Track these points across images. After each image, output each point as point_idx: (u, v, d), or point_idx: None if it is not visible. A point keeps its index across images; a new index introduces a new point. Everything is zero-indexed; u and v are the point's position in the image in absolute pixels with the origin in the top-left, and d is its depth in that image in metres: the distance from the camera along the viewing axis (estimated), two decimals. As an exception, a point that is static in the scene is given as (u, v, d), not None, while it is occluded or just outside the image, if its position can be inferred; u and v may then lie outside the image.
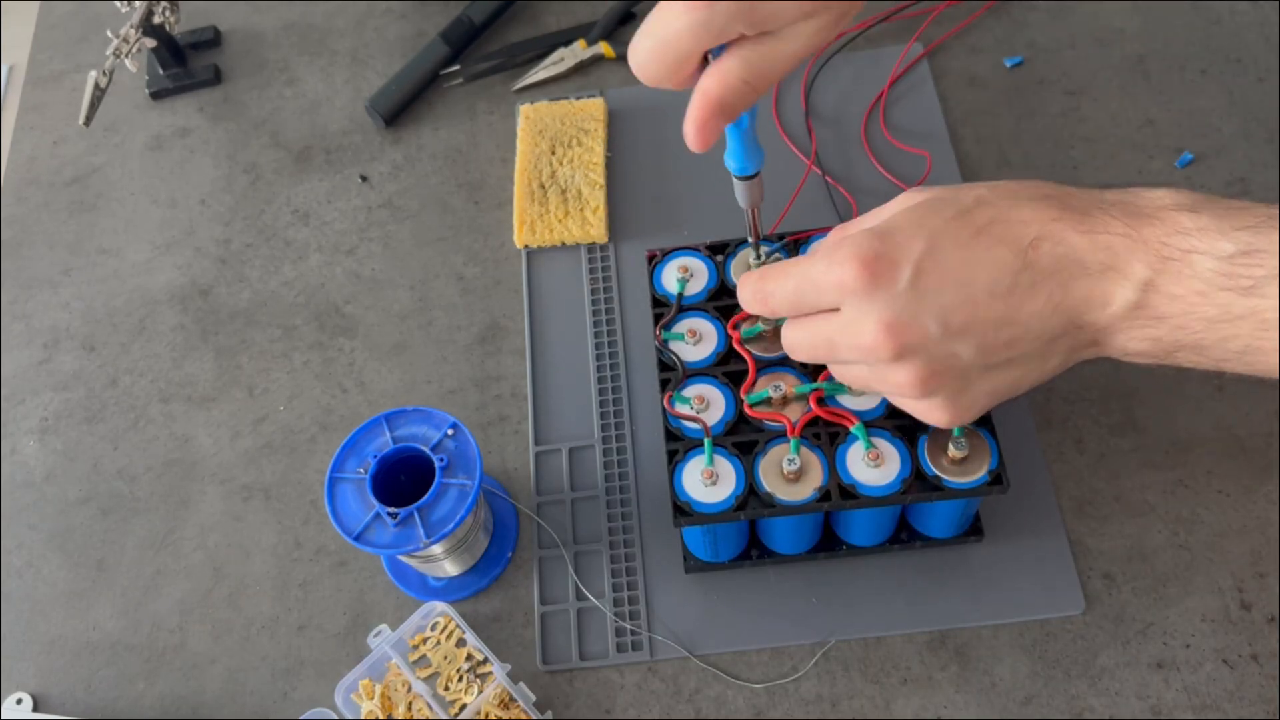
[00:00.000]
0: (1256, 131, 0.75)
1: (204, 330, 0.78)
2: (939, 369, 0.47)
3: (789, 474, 0.56)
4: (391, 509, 0.59)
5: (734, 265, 0.63)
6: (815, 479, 0.56)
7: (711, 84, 0.46)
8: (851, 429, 0.56)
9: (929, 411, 0.50)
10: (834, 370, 0.54)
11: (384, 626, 0.63)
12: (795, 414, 0.58)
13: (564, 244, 0.77)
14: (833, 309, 0.49)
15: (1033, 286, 0.46)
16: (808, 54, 0.47)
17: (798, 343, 0.52)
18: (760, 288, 0.52)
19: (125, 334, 0.79)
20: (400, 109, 0.85)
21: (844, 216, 0.75)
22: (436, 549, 0.61)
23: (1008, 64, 0.80)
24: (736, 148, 0.54)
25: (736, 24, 0.44)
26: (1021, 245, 0.45)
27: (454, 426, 0.61)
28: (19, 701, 0.66)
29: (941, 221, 0.46)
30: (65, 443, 0.75)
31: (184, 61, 0.90)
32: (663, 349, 0.61)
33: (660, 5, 0.45)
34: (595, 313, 0.74)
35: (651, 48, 0.45)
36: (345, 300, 0.78)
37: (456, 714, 0.61)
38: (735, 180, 0.56)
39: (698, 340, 0.61)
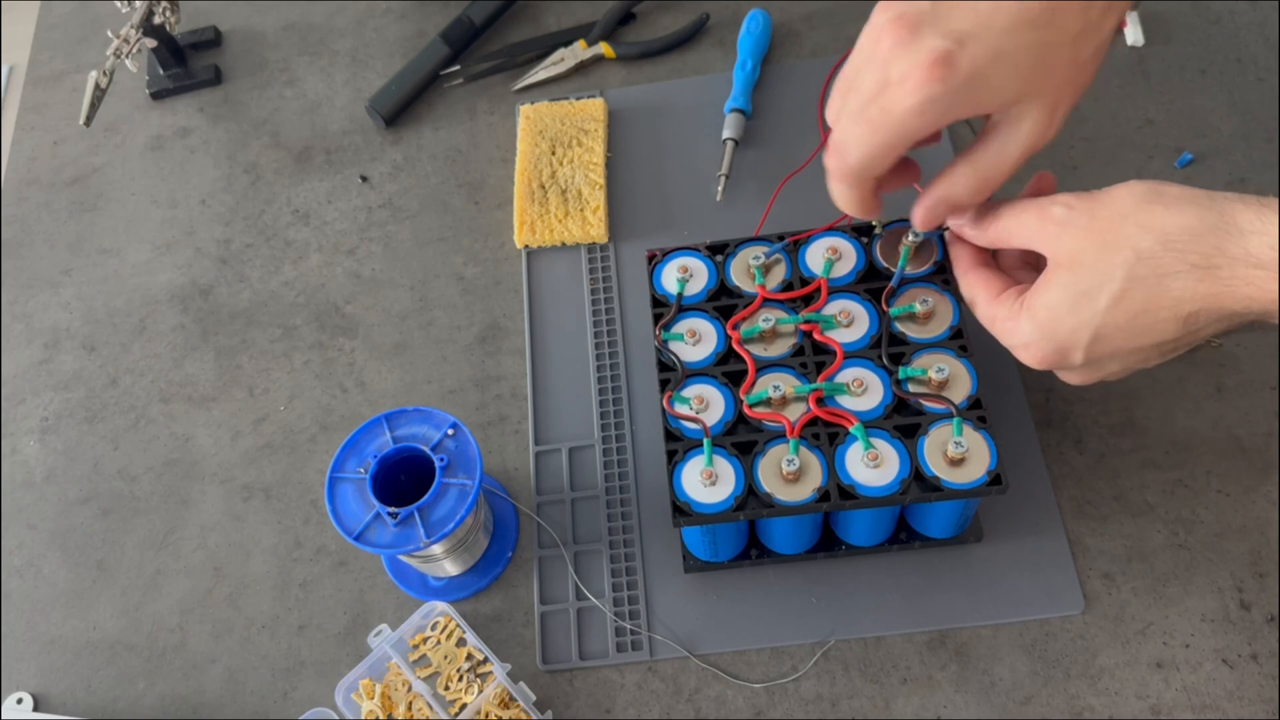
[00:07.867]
0: (1256, 131, 0.75)
1: (204, 330, 0.78)
2: (1088, 376, 0.54)
3: (788, 474, 0.56)
4: (392, 509, 0.59)
5: (734, 266, 0.63)
6: (814, 479, 0.56)
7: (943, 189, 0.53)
8: (851, 429, 0.56)
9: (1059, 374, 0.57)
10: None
11: (384, 626, 0.63)
12: (794, 414, 0.58)
13: (564, 244, 0.77)
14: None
15: (1194, 334, 0.51)
16: (1026, 151, 0.51)
17: (967, 297, 0.57)
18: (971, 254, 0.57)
19: (125, 334, 0.79)
20: (400, 109, 0.85)
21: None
22: (436, 549, 0.61)
23: None
24: None
25: (960, 105, 0.48)
26: (1180, 316, 0.49)
27: (454, 426, 0.61)
28: (19, 701, 0.66)
29: (1099, 311, 0.50)
30: (65, 443, 0.75)
31: (184, 61, 0.90)
32: (662, 349, 0.61)
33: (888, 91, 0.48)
34: (595, 313, 0.74)
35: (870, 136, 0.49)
36: (345, 300, 0.78)
37: (456, 714, 0.61)
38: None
39: (697, 340, 0.61)
